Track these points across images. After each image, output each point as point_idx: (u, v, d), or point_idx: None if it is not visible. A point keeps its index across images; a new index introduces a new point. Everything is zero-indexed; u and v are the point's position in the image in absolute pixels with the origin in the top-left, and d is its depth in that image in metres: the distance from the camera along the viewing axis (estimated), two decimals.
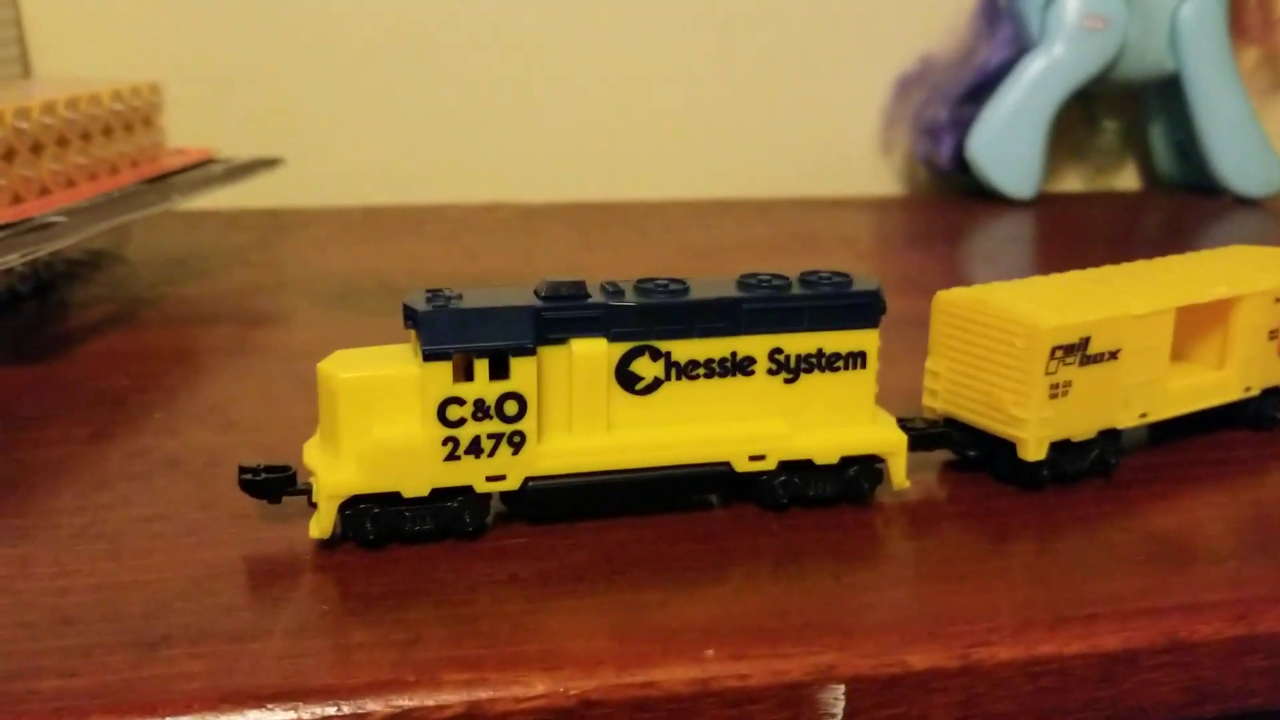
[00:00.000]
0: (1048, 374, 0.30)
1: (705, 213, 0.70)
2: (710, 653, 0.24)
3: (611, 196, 0.73)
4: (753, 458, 0.29)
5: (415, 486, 0.27)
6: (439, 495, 0.27)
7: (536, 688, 0.23)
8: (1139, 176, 0.83)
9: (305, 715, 0.22)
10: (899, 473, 0.30)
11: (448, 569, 0.27)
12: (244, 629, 0.24)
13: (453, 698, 0.22)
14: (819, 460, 0.29)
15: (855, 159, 0.78)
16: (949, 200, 0.76)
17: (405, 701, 0.22)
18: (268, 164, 0.54)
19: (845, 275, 0.29)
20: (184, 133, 0.57)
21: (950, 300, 0.32)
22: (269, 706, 0.22)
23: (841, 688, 0.24)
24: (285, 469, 0.28)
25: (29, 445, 0.34)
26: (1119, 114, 0.80)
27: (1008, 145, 0.72)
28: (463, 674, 0.23)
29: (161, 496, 0.30)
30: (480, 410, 0.27)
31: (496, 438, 0.27)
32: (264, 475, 0.27)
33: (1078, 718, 0.25)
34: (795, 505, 0.30)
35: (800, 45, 0.75)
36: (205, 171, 0.52)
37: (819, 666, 0.24)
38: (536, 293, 0.28)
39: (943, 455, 0.33)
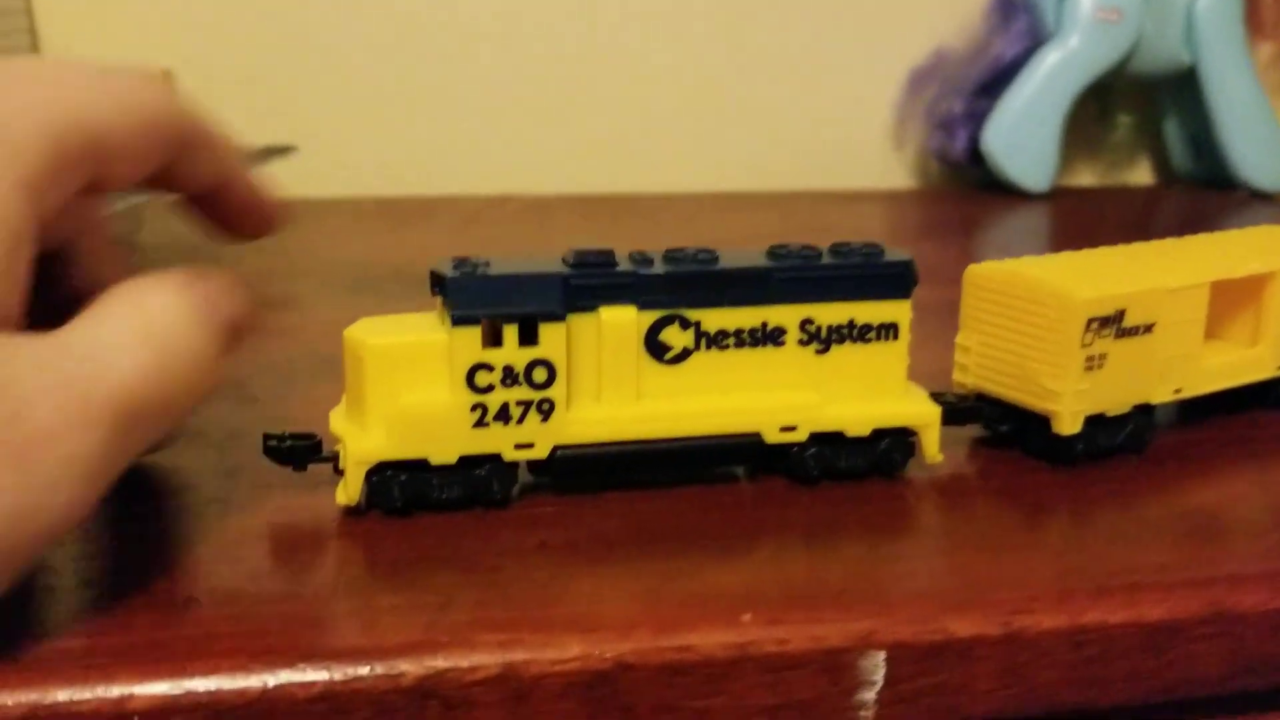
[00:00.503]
0: (1083, 346, 0.29)
1: (718, 205, 0.70)
2: (747, 617, 0.23)
3: (623, 189, 0.73)
4: (783, 429, 0.28)
5: (443, 453, 0.26)
6: (467, 463, 0.27)
7: (571, 650, 0.22)
8: (1153, 171, 0.82)
9: (338, 675, 0.21)
10: (932, 445, 0.30)
11: (476, 536, 0.26)
12: (272, 592, 0.24)
13: (487, 659, 0.22)
14: (850, 432, 0.29)
15: (868, 152, 0.77)
16: (962, 193, 0.76)
17: (439, 663, 0.22)
18: (281, 151, 0.54)
19: (877, 245, 0.29)
20: None
21: (982, 274, 0.31)
22: (300, 666, 0.21)
23: (882, 654, 0.23)
24: (311, 437, 0.27)
25: None
26: (1133, 108, 0.80)
27: (1023, 138, 0.72)
28: (496, 635, 0.22)
29: (185, 467, 0.30)
30: (509, 377, 0.26)
31: (525, 405, 0.27)
32: (290, 443, 0.27)
33: (1121, 688, 0.25)
34: (825, 478, 0.29)
35: (813, 38, 0.75)
36: None
37: (859, 633, 0.23)
38: (565, 260, 0.27)
39: (972, 431, 0.32)
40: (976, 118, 0.73)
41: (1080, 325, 0.29)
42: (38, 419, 0.20)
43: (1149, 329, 0.30)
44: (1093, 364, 0.29)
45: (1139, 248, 0.34)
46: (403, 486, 0.27)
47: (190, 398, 0.23)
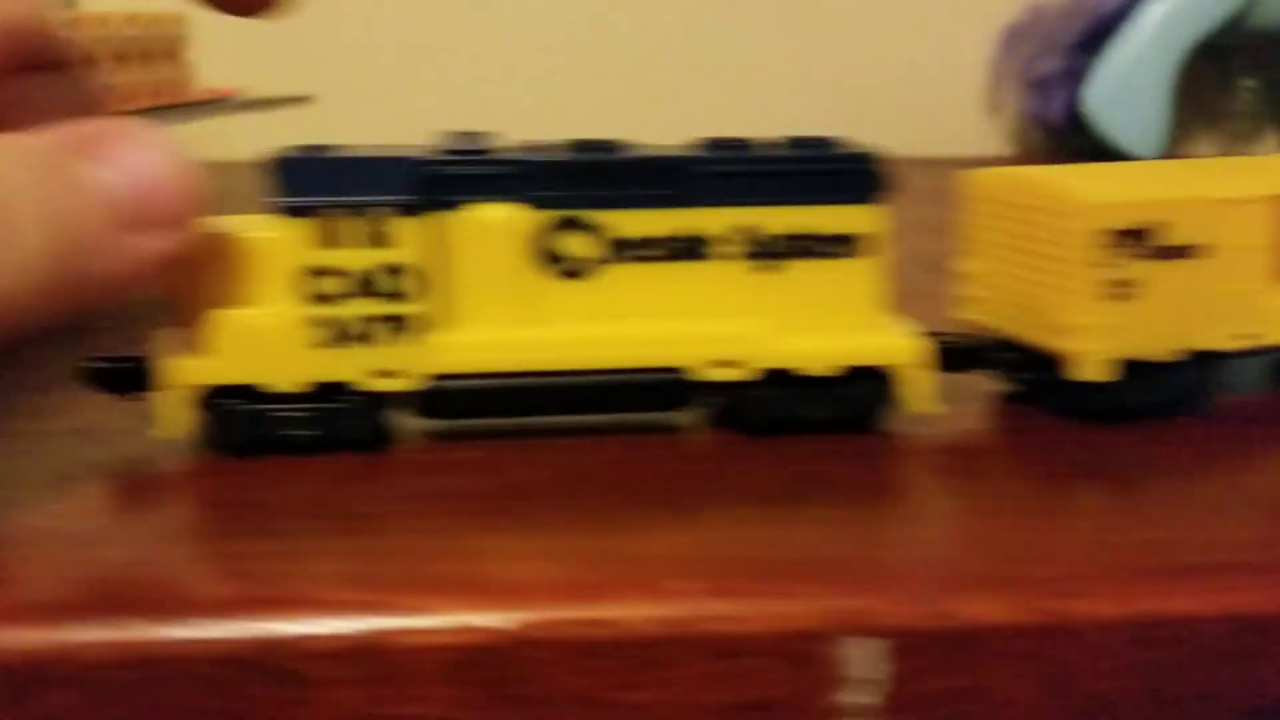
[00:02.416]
0: (1102, 265, 0.23)
1: None
2: (689, 587, 0.18)
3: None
4: (716, 364, 0.23)
5: (283, 378, 0.22)
6: (322, 396, 0.22)
7: (453, 617, 0.17)
8: None
9: (138, 634, 0.17)
10: (917, 391, 0.24)
11: (360, 481, 0.22)
12: (74, 536, 0.20)
13: (339, 625, 0.17)
14: (805, 370, 0.23)
15: (959, 117, 0.71)
16: (1063, 161, 0.68)
17: (273, 626, 0.17)
18: (295, 100, 0.51)
19: (831, 139, 0.24)
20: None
21: (991, 181, 0.25)
22: (91, 621, 0.17)
23: (873, 642, 0.17)
24: (139, 359, 0.23)
25: None
26: (1259, 70, 0.71)
27: (1128, 98, 0.65)
28: (354, 594, 0.18)
29: None
30: (356, 285, 0.22)
31: (379, 321, 0.22)
32: (116, 365, 0.23)
33: (1199, 702, 0.18)
34: (776, 428, 0.24)
35: None
36: (225, 104, 0.50)
37: (839, 613, 0.17)
38: (435, 145, 0.23)
39: (985, 384, 0.26)
40: (1075, 77, 0.66)
41: (1094, 237, 0.23)
42: None
43: (1200, 251, 0.24)
44: (1118, 291, 0.24)
45: (1203, 161, 0.28)
46: (242, 420, 0.22)
47: None
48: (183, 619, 0.17)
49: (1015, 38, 0.69)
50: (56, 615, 0.17)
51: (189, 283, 0.22)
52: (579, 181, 0.23)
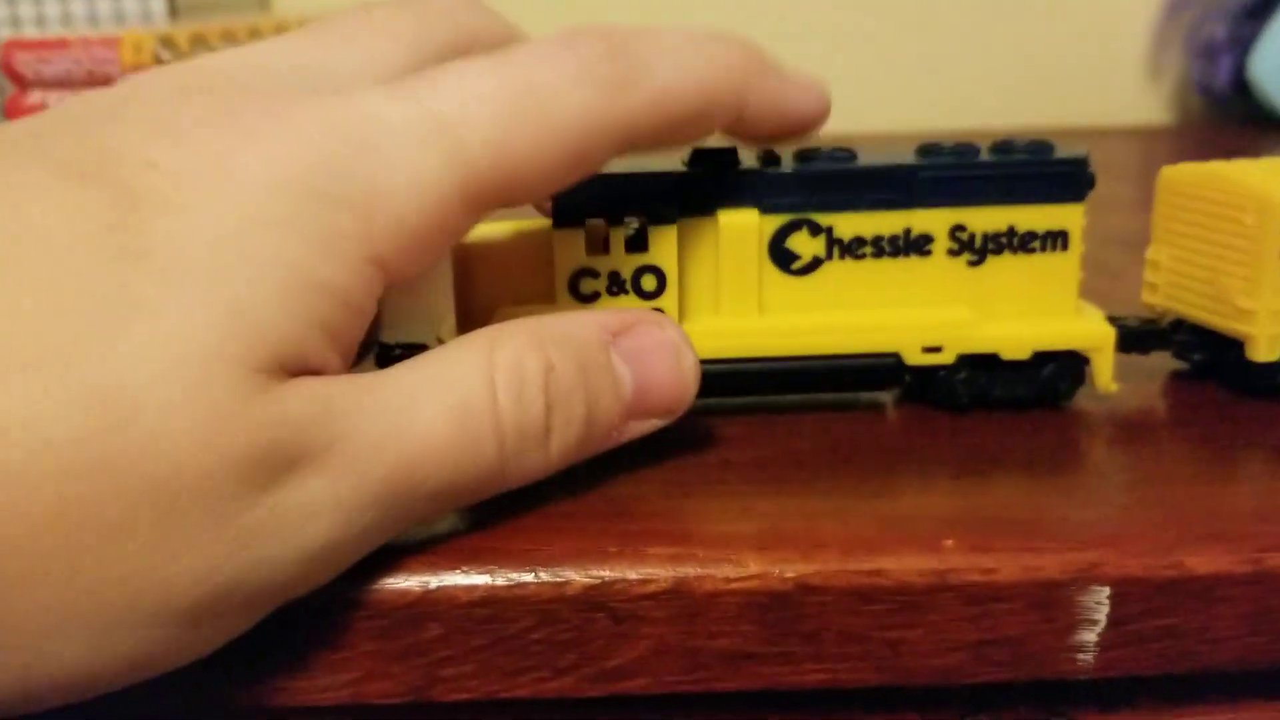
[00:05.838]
0: None
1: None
2: (950, 543, 0.22)
3: (843, 127, 0.71)
4: (927, 349, 0.26)
5: None
6: None
7: (749, 567, 0.21)
8: None
9: (500, 580, 0.21)
10: (1104, 372, 0.27)
11: (654, 454, 0.25)
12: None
13: (658, 572, 0.21)
14: (1006, 354, 0.27)
15: (1118, 85, 0.72)
16: (1226, 128, 0.69)
17: (606, 573, 0.21)
18: None
19: (1046, 143, 0.27)
20: None
21: (1177, 177, 0.28)
22: (463, 569, 0.21)
23: (1107, 590, 0.21)
24: (425, 347, 0.26)
25: None
26: None
27: None
28: (669, 548, 0.22)
29: None
30: (615, 285, 0.26)
31: None
32: (398, 352, 0.27)
33: None
34: (977, 406, 0.27)
35: None
36: None
37: (1079, 564, 0.21)
38: (683, 159, 0.26)
39: (1165, 362, 0.29)
40: (1242, 43, 0.67)
41: (1278, 231, 0.26)
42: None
43: None
44: None
45: None
46: None
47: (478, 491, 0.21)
48: (531, 566, 0.21)
49: (1179, 4, 0.70)
50: (423, 566, 0.21)
51: (477, 280, 0.26)
52: (812, 189, 0.26)
